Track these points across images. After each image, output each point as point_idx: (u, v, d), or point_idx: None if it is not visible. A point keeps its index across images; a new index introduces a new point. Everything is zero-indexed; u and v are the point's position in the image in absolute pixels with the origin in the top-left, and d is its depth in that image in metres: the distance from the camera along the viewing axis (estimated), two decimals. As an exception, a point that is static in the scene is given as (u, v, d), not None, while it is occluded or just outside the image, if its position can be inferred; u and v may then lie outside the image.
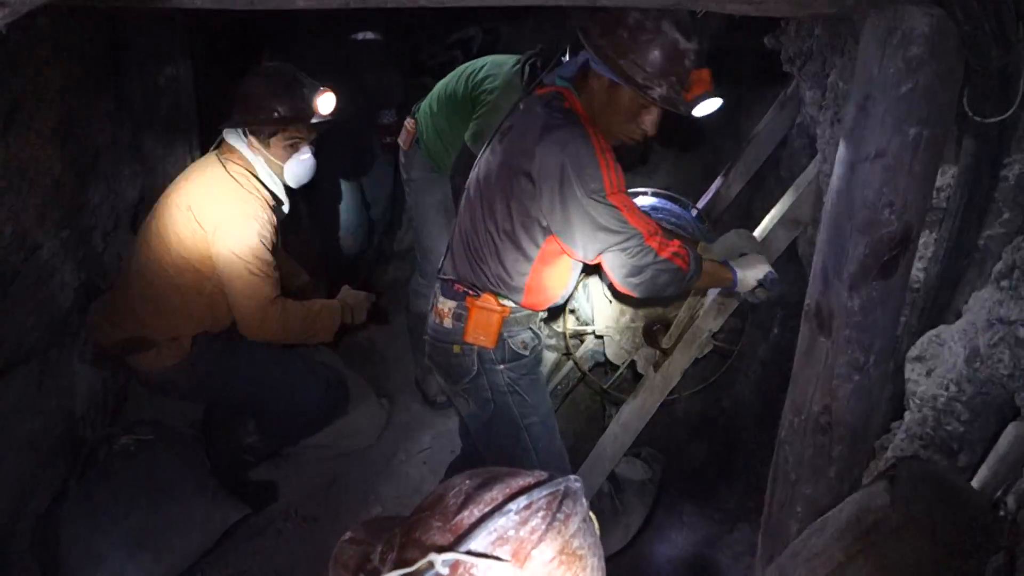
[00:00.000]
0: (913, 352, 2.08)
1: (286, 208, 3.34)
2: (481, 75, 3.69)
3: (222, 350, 3.25)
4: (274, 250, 3.16)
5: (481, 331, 2.57)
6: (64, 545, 2.86)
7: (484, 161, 2.64)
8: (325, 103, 3.17)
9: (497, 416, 2.68)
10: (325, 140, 4.16)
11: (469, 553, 1.03)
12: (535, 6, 1.72)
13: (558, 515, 1.08)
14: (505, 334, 2.60)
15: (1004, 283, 1.82)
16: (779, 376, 3.30)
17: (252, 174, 3.16)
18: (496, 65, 3.74)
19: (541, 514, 1.07)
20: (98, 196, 3.28)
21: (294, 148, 3.21)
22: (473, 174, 2.69)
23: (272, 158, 3.19)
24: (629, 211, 2.40)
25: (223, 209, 3.04)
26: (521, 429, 2.68)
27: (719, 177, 3.48)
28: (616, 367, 3.32)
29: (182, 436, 3.33)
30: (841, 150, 1.82)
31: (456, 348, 2.62)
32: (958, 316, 1.99)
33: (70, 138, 2.95)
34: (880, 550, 1.67)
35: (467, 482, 1.13)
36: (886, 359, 1.96)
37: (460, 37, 4.84)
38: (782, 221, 2.87)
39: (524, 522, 1.06)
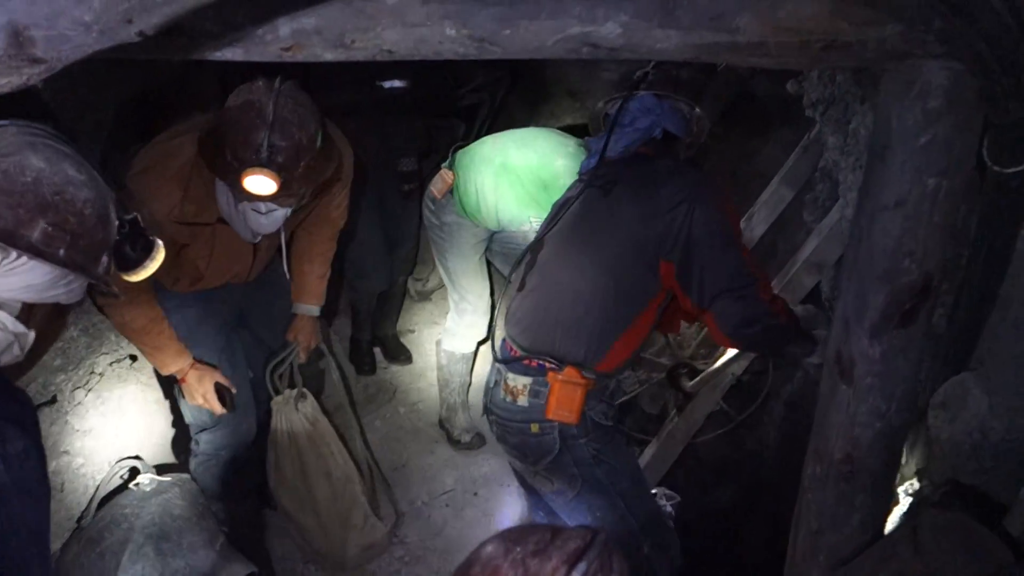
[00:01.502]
0: (936, 398, 2.07)
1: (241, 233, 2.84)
2: (544, 151, 3.69)
3: None
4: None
5: (565, 407, 2.41)
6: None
7: (568, 228, 2.53)
8: (253, 184, 2.44)
9: (586, 490, 2.50)
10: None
11: None
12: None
13: (613, 572, 1.13)
14: (586, 407, 2.46)
15: (1026, 331, 1.83)
16: (804, 417, 3.29)
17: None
18: (557, 143, 3.74)
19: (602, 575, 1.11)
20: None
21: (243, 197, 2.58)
22: (552, 246, 2.56)
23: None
24: (749, 256, 2.37)
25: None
26: (615, 496, 2.51)
27: (743, 219, 3.50)
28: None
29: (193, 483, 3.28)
30: (860, 199, 1.84)
31: (534, 427, 2.46)
32: (981, 363, 1.99)
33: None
34: (903, 601, 1.66)
35: (517, 549, 1.14)
36: (908, 407, 1.95)
37: (487, 79, 4.90)
38: (805, 265, 2.88)
39: None
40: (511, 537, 1.17)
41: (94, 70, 1.46)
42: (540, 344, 2.45)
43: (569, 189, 2.69)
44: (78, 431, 3.17)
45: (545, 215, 3.62)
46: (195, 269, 2.91)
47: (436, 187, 3.90)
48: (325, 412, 3.50)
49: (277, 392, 3.33)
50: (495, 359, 2.61)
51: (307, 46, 1.65)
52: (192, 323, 3.03)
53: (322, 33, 1.62)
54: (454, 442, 4.28)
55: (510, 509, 3.85)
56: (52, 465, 3.01)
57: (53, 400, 3.02)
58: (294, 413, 3.27)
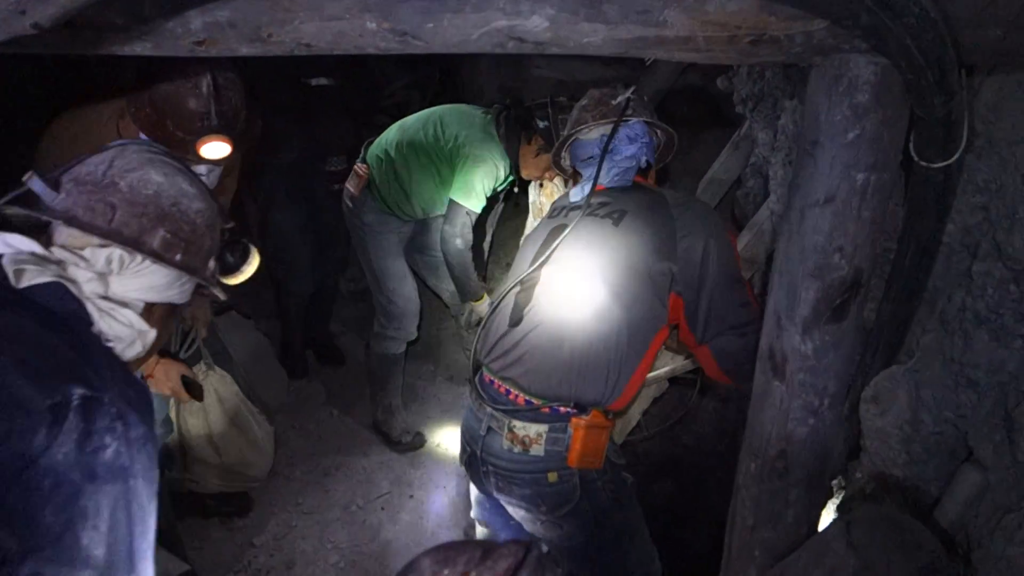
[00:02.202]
0: (868, 392, 2.09)
1: None
2: (452, 128, 3.69)
3: None
4: None
5: (591, 453, 2.25)
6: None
7: (571, 259, 2.36)
8: (210, 150, 2.58)
9: (597, 532, 2.35)
10: (277, 185, 4.13)
11: None
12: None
13: None
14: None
15: (954, 324, 1.84)
16: (737, 413, 3.31)
17: None
18: (463, 116, 3.75)
19: None
20: None
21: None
22: (552, 278, 2.38)
23: None
24: (751, 290, 2.32)
25: None
26: (622, 536, 2.40)
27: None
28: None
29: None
30: (791, 195, 1.83)
31: (552, 476, 2.27)
32: (911, 356, 2.01)
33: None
34: (838, 598, 1.66)
35: (445, 571, 1.10)
36: (840, 402, 1.96)
37: (416, 78, 4.85)
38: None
39: None
40: (440, 558, 1.12)
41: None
42: (556, 389, 2.26)
43: (553, 218, 2.55)
44: None
45: (455, 195, 3.62)
46: None
47: (352, 184, 3.85)
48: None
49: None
50: (483, 404, 2.38)
51: (221, 40, 1.58)
52: None
53: (237, 26, 1.55)
54: (394, 443, 4.22)
55: (446, 511, 3.81)
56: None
57: None
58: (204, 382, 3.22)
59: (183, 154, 2.52)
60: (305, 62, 4.03)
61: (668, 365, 2.93)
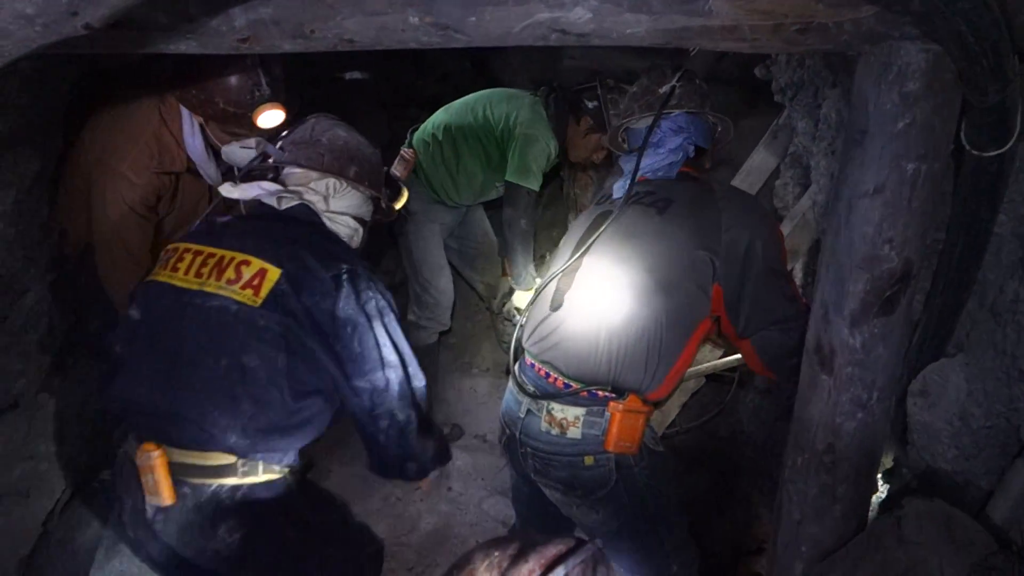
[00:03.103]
0: (916, 386, 2.05)
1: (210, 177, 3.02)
2: (501, 109, 3.74)
3: None
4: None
5: (626, 438, 2.24)
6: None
7: (614, 246, 2.34)
8: (267, 119, 2.77)
9: (631, 518, 2.36)
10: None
11: None
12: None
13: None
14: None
15: (1006, 316, 1.81)
16: (775, 406, 3.28)
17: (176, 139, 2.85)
18: (512, 97, 3.80)
19: None
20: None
21: (234, 137, 2.78)
22: (595, 264, 2.37)
23: (210, 135, 2.89)
24: (794, 285, 2.29)
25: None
26: (658, 523, 2.39)
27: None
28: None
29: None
30: (838, 186, 1.80)
31: (588, 460, 2.28)
32: (960, 349, 1.97)
33: (54, 183, 2.92)
34: (890, 594, 1.64)
35: (495, 553, 1.12)
36: (889, 395, 1.93)
37: (449, 69, 4.85)
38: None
39: None
40: (494, 544, 1.14)
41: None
42: (593, 373, 2.26)
43: (598, 205, 2.57)
44: (42, 435, 3.08)
45: (512, 176, 3.67)
46: (161, 234, 3.03)
47: (399, 168, 3.84)
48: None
49: None
50: (523, 386, 2.40)
51: (264, 37, 1.58)
52: None
53: (280, 23, 1.56)
54: None
55: (485, 503, 3.81)
56: (16, 470, 2.92)
57: (15, 404, 2.92)
58: None
59: (237, 128, 2.81)
60: (340, 56, 4.07)
61: (709, 361, 2.91)
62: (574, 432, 2.26)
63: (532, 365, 2.40)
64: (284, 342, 2.06)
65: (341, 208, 2.33)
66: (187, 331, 2.08)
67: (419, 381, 2.28)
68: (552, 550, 1.12)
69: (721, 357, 3.11)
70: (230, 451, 2.07)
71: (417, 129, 3.89)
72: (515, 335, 2.51)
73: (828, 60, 2.45)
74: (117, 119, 2.81)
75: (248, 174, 2.34)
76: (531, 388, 2.37)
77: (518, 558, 1.11)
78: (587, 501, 2.34)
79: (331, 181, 2.30)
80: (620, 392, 2.24)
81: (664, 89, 2.45)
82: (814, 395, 1.94)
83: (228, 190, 2.27)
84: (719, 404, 3.49)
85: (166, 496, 2.04)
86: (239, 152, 2.66)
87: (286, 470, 2.21)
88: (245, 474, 2.11)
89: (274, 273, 2.07)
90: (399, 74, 4.56)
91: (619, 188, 2.48)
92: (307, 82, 3.77)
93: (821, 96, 2.58)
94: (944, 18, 1.41)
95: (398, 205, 2.63)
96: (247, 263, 2.10)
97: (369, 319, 2.14)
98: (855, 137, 1.71)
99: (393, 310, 2.24)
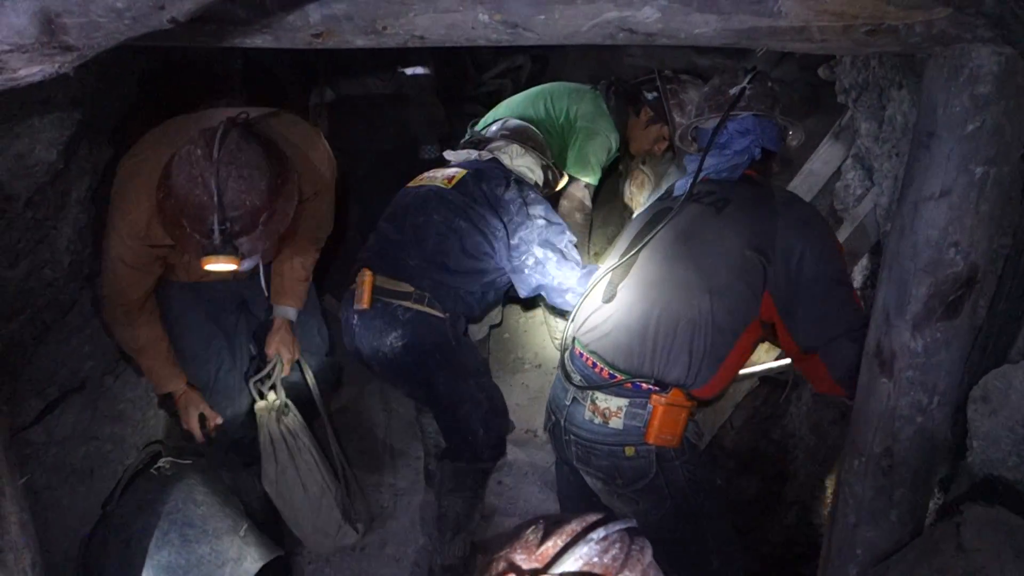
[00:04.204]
0: (976, 392, 2.02)
1: None
2: (562, 104, 3.82)
3: None
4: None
5: (668, 431, 2.27)
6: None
7: (670, 243, 2.38)
8: (215, 267, 2.40)
9: (672, 511, 2.38)
10: (372, 174, 4.17)
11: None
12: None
13: (633, 547, 1.16)
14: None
15: (1073, 323, 1.78)
16: (830, 409, 3.25)
17: None
18: (573, 92, 3.85)
19: (619, 545, 1.14)
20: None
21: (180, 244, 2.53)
22: (650, 260, 2.40)
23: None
24: (856, 293, 2.27)
25: None
26: (699, 518, 2.40)
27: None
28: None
29: (219, 467, 3.28)
30: (903, 189, 1.79)
31: (629, 450, 2.31)
32: (1023, 355, 1.94)
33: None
34: (948, 600, 1.63)
35: (541, 521, 1.17)
36: (950, 400, 1.91)
37: (509, 66, 4.87)
38: (837, 254, 2.82)
39: (606, 551, 1.13)
40: (523, 526, 1.20)
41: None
42: (638, 365, 2.29)
43: (660, 201, 2.59)
44: (107, 416, 3.17)
45: (572, 170, 3.78)
46: (185, 264, 2.91)
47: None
48: (307, 420, 3.43)
49: (261, 396, 3.27)
50: (570, 375, 2.45)
51: (338, 32, 1.62)
52: (179, 309, 3.06)
53: (353, 19, 1.59)
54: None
55: (535, 498, 3.83)
56: (81, 451, 3.01)
57: (82, 386, 3.02)
58: (275, 424, 3.24)
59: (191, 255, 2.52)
60: (405, 51, 4.12)
61: (763, 363, 2.90)
62: (616, 422, 2.30)
63: (580, 355, 2.44)
64: (464, 211, 3.06)
65: (520, 164, 3.34)
66: (409, 205, 3.17)
67: (557, 236, 3.10)
68: (593, 517, 1.18)
69: (776, 359, 3.09)
70: (409, 280, 3.00)
71: (477, 123, 3.93)
72: (567, 324, 2.55)
73: (894, 62, 2.42)
74: (136, 168, 2.59)
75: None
76: (577, 377, 2.41)
77: (559, 523, 1.16)
78: (628, 491, 2.38)
79: (515, 147, 3.38)
80: (664, 386, 2.27)
81: (734, 91, 2.45)
82: (873, 398, 1.93)
83: (449, 155, 3.49)
84: (773, 406, 3.46)
85: (365, 302, 3.00)
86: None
87: (447, 315, 3.04)
88: (415, 302, 2.99)
89: (462, 173, 3.21)
90: (458, 70, 4.60)
91: (681, 186, 2.50)
92: (367, 75, 3.82)
93: (886, 98, 2.55)
94: (1018, 20, 1.40)
95: (562, 182, 3.59)
96: (451, 172, 3.25)
97: (525, 204, 3.12)
98: (922, 139, 1.70)
99: (541, 201, 3.19)
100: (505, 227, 3.08)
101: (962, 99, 1.61)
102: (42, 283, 2.64)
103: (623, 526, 1.17)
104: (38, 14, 1.27)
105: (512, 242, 3.07)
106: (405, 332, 2.98)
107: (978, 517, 1.77)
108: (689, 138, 2.69)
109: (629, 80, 3.90)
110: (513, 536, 1.16)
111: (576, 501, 2.71)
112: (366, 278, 3.01)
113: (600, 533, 1.13)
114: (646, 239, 2.39)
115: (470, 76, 4.76)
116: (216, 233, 2.30)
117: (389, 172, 4.20)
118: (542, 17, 1.59)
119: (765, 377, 3.21)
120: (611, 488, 2.41)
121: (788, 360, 2.89)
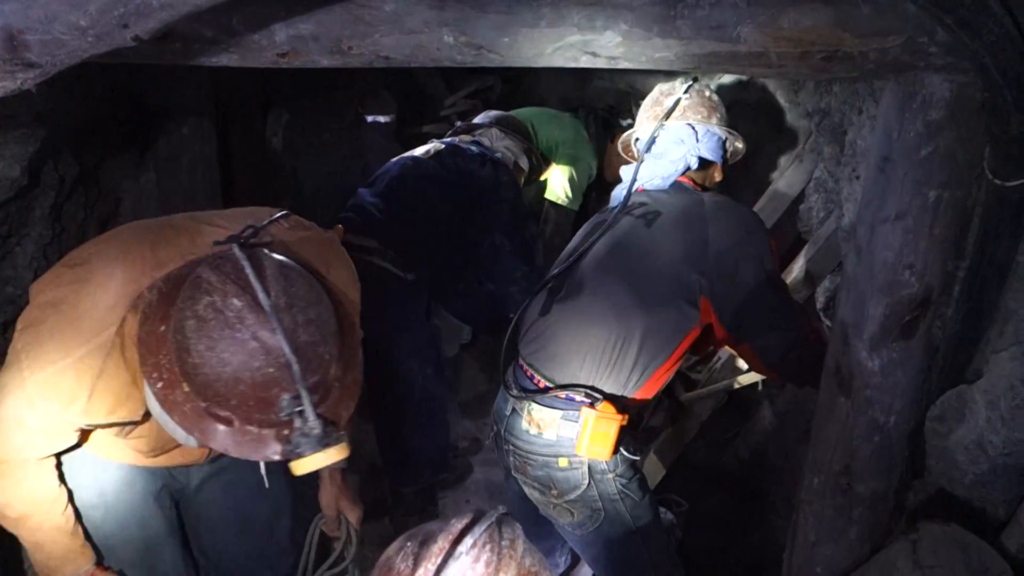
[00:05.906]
0: (934, 411, 2.06)
1: None
2: (544, 130, 3.86)
3: None
4: None
5: (598, 444, 2.25)
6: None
7: (603, 256, 2.41)
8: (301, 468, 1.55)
9: (607, 524, 2.38)
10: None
11: None
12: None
13: (503, 543, 1.16)
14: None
15: (1026, 344, 1.82)
16: (796, 428, 3.29)
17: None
18: (554, 119, 3.92)
19: (489, 547, 1.14)
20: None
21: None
22: (584, 273, 2.42)
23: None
24: (787, 289, 2.37)
25: None
26: (634, 532, 2.39)
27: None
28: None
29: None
30: (860, 211, 1.83)
31: (562, 462, 2.32)
32: (979, 375, 1.98)
33: (92, 186, 2.98)
34: (903, 617, 1.65)
35: (408, 544, 1.17)
36: (907, 420, 1.94)
37: (479, 86, 4.90)
38: (799, 276, 2.87)
39: (477, 559, 1.13)
40: (406, 537, 1.20)
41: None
42: (571, 376, 2.32)
43: (599, 214, 2.62)
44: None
45: (552, 196, 3.85)
46: (134, 445, 1.96)
47: None
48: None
49: None
50: (509, 386, 2.43)
51: (304, 52, 1.63)
52: (111, 485, 2.08)
53: (319, 39, 1.61)
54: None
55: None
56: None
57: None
58: None
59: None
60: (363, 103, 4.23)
61: (728, 378, 2.92)
62: (550, 433, 2.32)
63: (520, 365, 2.46)
64: (435, 179, 3.32)
65: (499, 147, 3.52)
66: (388, 170, 3.45)
67: (521, 225, 3.41)
68: (457, 526, 1.17)
69: (743, 373, 3.12)
70: (376, 236, 3.22)
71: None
72: (507, 336, 2.56)
73: (854, 87, 2.47)
74: (76, 303, 1.64)
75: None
76: (516, 388, 2.42)
77: (428, 541, 1.16)
78: (562, 502, 2.39)
79: (495, 131, 3.60)
80: (595, 398, 2.28)
81: (669, 101, 2.49)
82: (832, 417, 1.96)
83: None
84: (739, 424, 3.49)
85: None
86: None
87: (411, 276, 3.25)
88: (380, 257, 3.20)
89: (440, 146, 3.46)
90: (420, 112, 4.66)
91: (616, 197, 2.55)
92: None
93: (847, 122, 2.60)
94: (969, 50, 1.43)
95: (548, 171, 3.80)
96: (429, 146, 3.48)
97: (509, 188, 3.45)
98: (878, 163, 1.74)
99: (513, 188, 3.46)
100: (472, 202, 3.31)
101: (916, 125, 1.65)
102: (4, 300, 2.61)
103: (489, 521, 1.18)
104: (1, 31, 1.28)
105: (475, 218, 3.31)
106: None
107: (934, 534, 1.80)
108: (634, 149, 2.72)
109: (597, 103, 3.96)
110: (385, 569, 1.16)
111: (522, 513, 2.68)
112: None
113: (467, 543, 1.13)
114: (578, 251, 2.45)
115: (440, 97, 4.79)
116: (310, 416, 1.51)
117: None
118: (506, 39, 1.61)
119: (732, 394, 3.23)
120: (547, 499, 2.43)
121: (754, 374, 2.93)
